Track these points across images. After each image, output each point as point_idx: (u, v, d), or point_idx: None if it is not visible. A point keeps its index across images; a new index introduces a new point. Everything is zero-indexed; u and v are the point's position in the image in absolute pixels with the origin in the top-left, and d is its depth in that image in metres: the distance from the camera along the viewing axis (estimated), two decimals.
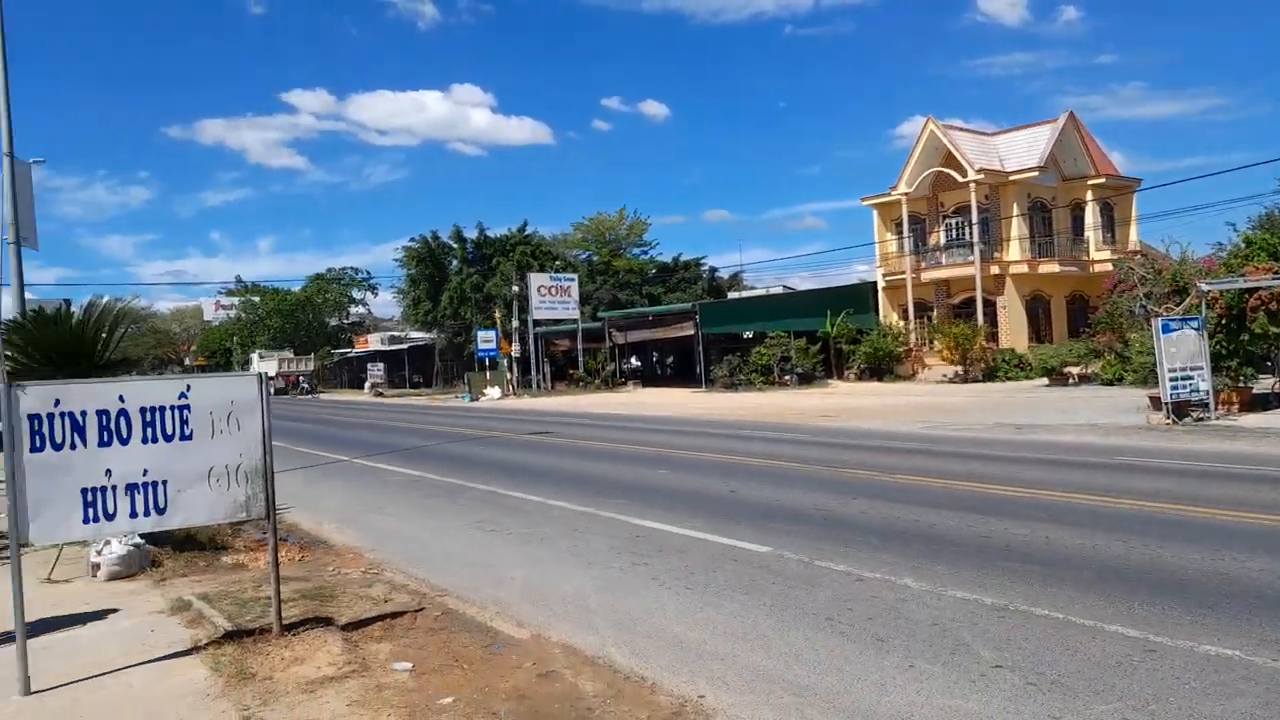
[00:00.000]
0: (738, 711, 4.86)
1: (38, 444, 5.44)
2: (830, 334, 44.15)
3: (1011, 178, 42.61)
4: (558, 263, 61.32)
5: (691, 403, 34.89)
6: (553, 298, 52.16)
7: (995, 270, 41.77)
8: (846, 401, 30.79)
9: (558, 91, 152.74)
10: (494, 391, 48.21)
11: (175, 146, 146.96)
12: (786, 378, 41.57)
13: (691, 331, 44.78)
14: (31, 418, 5.41)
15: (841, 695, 5.03)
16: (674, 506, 11.15)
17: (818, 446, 17.27)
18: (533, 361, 52.92)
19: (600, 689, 5.23)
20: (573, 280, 53.84)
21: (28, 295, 15.55)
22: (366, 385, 67.05)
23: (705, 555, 8.54)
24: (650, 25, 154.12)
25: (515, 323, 52.96)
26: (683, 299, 56.08)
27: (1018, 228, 42.84)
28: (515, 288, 53.23)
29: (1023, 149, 43.78)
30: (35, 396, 5.47)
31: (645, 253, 68.63)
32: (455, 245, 64.09)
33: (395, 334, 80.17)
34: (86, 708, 5.16)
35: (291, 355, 78.61)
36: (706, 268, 64.57)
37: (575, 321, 52.61)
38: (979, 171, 41.52)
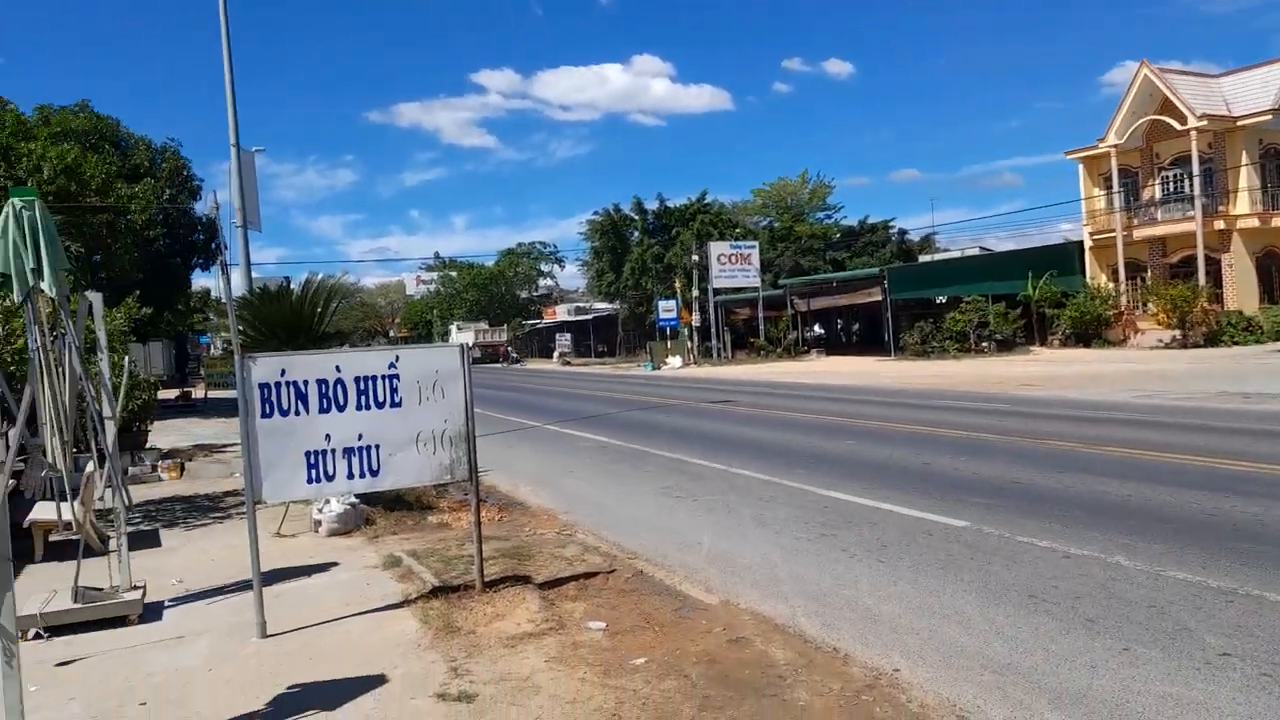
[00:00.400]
0: (935, 686, 4.71)
1: (267, 410, 5.96)
2: (1032, 298, 41.68)
3: (1240, 123, 38.51)
4: (738, 230, 60.97)
5: (879, 371, 33.95)
6: (733, 266, 51.93)
7: (1220, 225, 38.05)
8: (1050, 369, 29.06)
9: (737, 57, 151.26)
10: (675, 360, 48.71)
11: (376, 130, 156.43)
12: (984, 345, 39.68)
13: (879, 297, 43.47)
14: (262, 386, 5.94)
15: (1048, 676, 4.77)
16: (862, 477, 10.90)
17: (1018, 417, 16.40)
18: (713, 330, 53.02)
19: (791, 657, 5.20)
20: (753, 247, 53.37)
21: (253, 274, 17.04)
22: (555, 355, 69.38)
23: (897, 528, 8.31)
24: None
25: (695, 292, 53.16)
26: (869, 264, 54.51)
27: (1247, 178, 38.75)
28: (695, 257, 53.36)
29: (1255, 90, 39.37)
30: (265, 367, 6.00)
31: (829, 217, 67.13)
32: (636, 217, 64.97)
33: (581, 305, 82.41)
34: (314, 651, 5.64)
35: (487, 326, 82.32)
36: (895, 230, 62.40)
37: (756, 289, 52.22)
38: (1201, 118, 37.77)
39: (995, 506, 8.88)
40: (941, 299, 42.99)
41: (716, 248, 52.12)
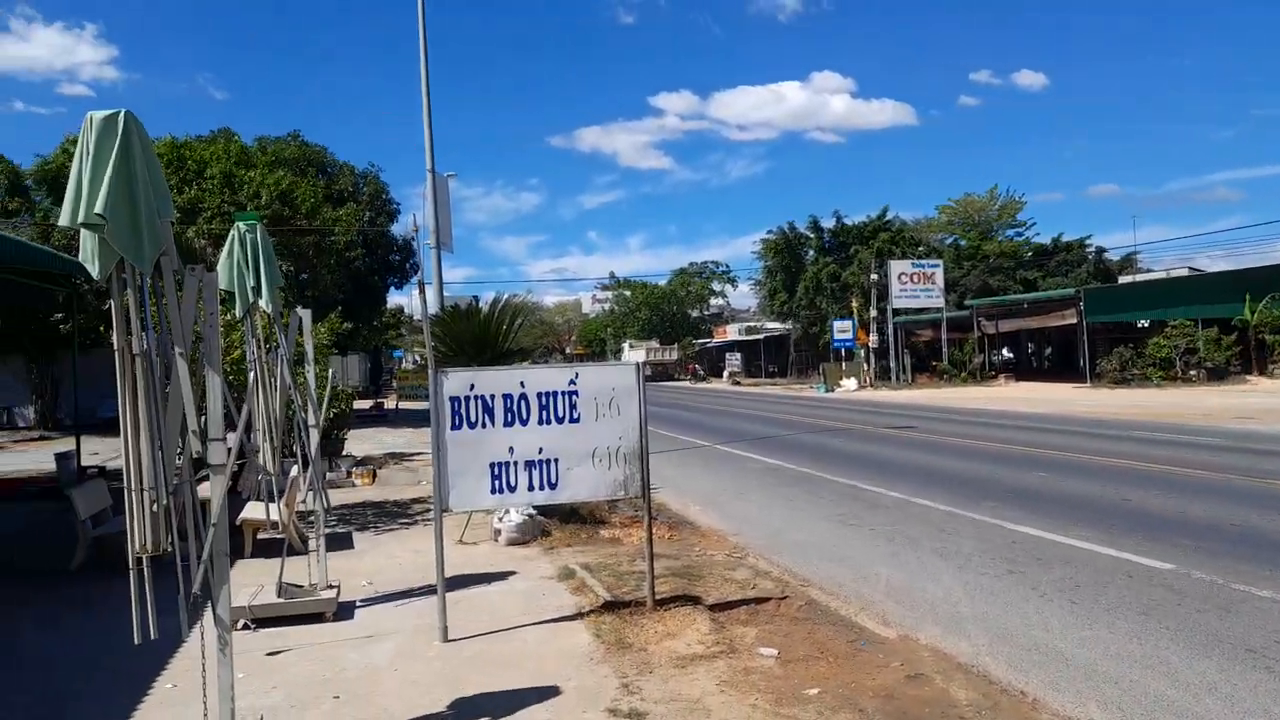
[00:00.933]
0: None
1: (456, 422, 6.22)
2: (1249, 322, 38.05)
3: None
4: (920, 248, 58.97)
5: (1074, 399, 31.90)
6: (914, 285, 50.24)
7: None
8: (1270, 401, 26.41)
9: (921, 71, 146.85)
10: (850, 383, 47.55)
11: (558, 155, 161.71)
12: (1191, 373, 36.54)
13: (1074, 320, 40.86)
14: (452, 399, 6.20)
15: None
16: (1054, 513, 10.23)
17: (1233, 453, 14.97)
18: (891, 352, 51.42)
19: (974, 698, 4.92)
20: (937, 266, 51.45)
21: (444, 293, 17.93)
22: (724, 374, 69.26)
23: (1092, 568, 7.74)
24: None
25: (873, 312, 51.77)
26: (1063, 284, 51.40)
27: None
28: (874, 276, 51.98)
29: None
30: (456, 381, 6.27)
31: (1019, 234, 63.86)
32: (812, 235, 64.03)
33: (752, 324, 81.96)
34: (492, 658, 5.81)
35: (658, 345, 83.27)
36: (1092, 249, 58.57)
37: (939, 310, 50.29)
38: None
39: (1205, 550, 8.12)
40: (1144, 323, 39.93)
41: (897, 266, 50.61)
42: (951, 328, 50.01)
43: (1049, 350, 56.95)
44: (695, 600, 6.88)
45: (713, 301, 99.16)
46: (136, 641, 3.73)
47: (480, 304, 13.33)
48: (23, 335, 24.96)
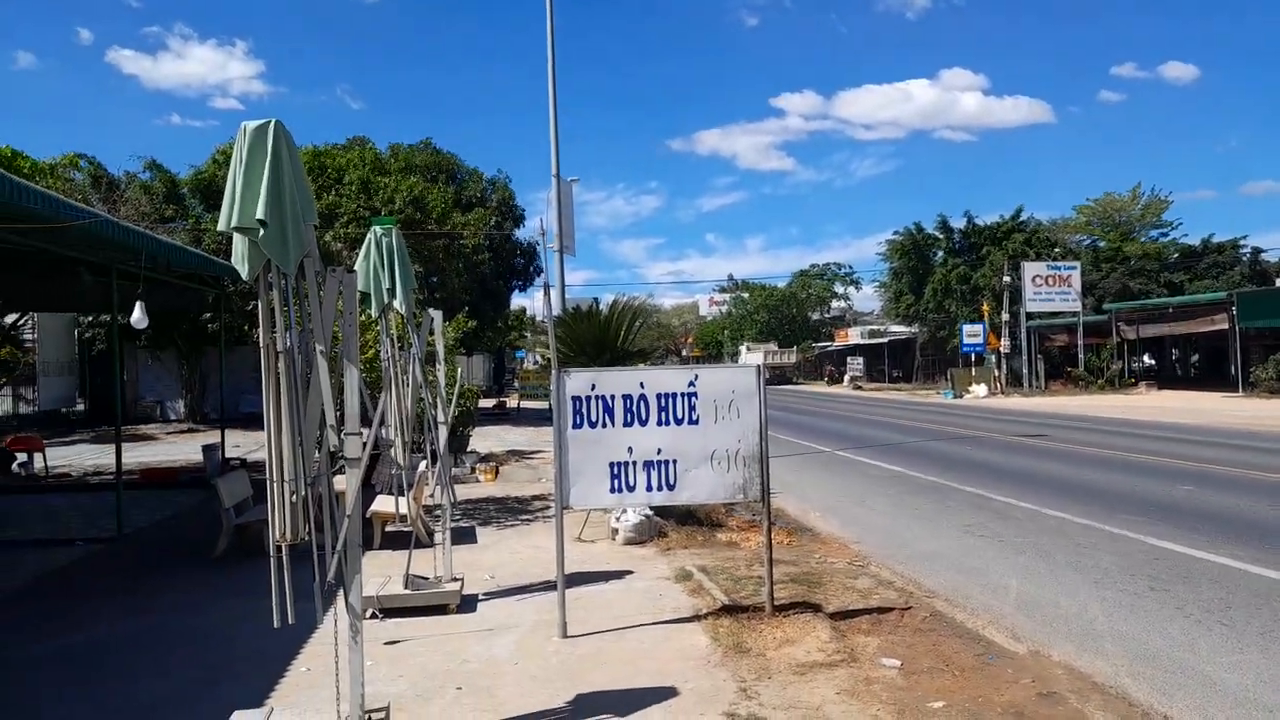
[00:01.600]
0: None
1: (577, 421, 6.31)
2: None
3: None
4: (1056, 250, 56.46)
5: (1224, 409, 29.94)
6: (1049, 288, 48.13)
7: None
8: None
9: (1058, 65, 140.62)
10: (979, 389, 45.91)
11: (677, 158, 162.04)
12: None
13: (1225, 325, 38.37)
14: (574, 399, 6.30)
15: None
16: (1201, 528, 9.62)
17: None
18: (1024, 357, 49.41)
19: None
20: (1074, 268, 49.16)
21: (565, 295, 18.23)
22: (845, 378, 67.95)
23: (1246, 589, 7.24)
24: None
25: (1005, 316, 49.83)
26: (1213, 287, 48.32)
27: None
28: (1006, 278, 50.02)
29: None
30: (577, 381, 6.36)
31: (1164, 235, 60.34)
32: (940, 236, 62.13)
33: (875, 328, 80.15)
34: (609, 656, 5.86)
35: (776, 348, 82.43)
36: (1246, 250, 54.83)
37: (1075, 314, 48.03)
38: None
39: None
40: None
41: (1031, 268, 48.59)
42: (1088, 333, 47.69)
43: (1195, 357, 53.68)
44: (815, 608, 6.77)
45: (834, 304, 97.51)
46: (275, 625, 3.92)
47: (600, 306, 13.46)
48: (175, 333, 26.69)
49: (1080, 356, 47.15)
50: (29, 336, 26.96)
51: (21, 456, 16.31)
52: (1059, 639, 6.22)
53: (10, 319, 20.69)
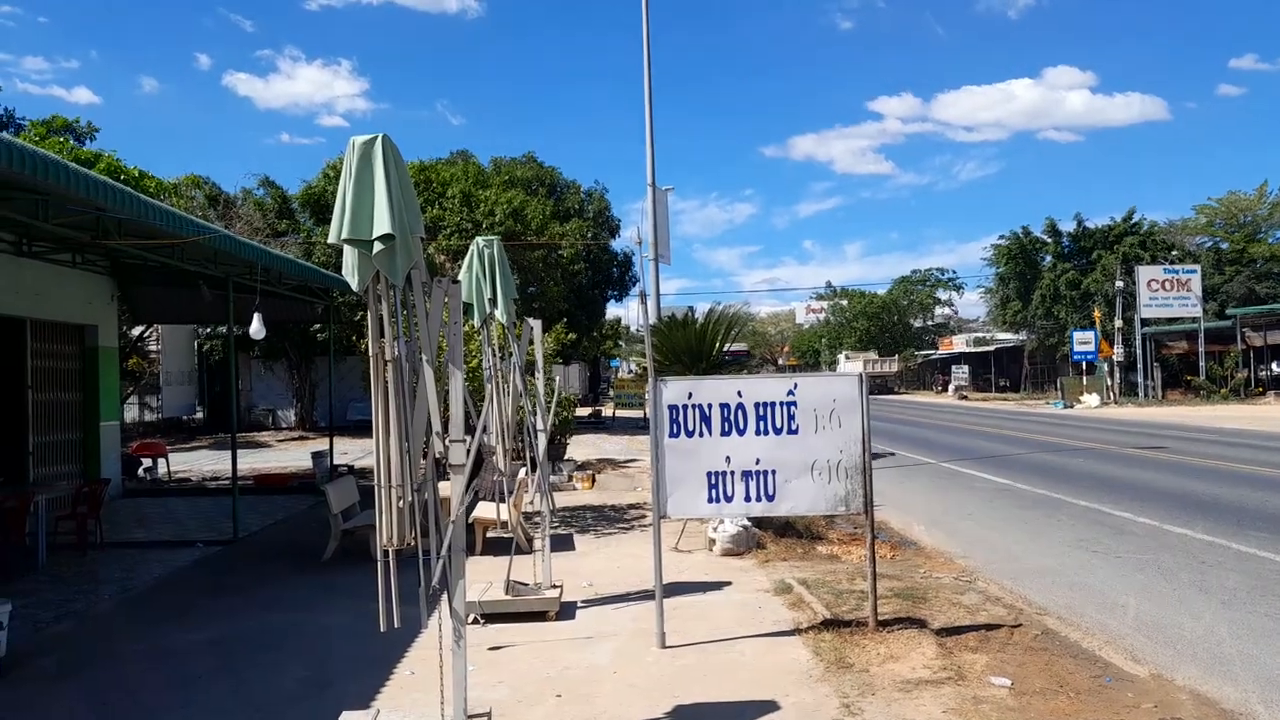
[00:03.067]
0: None
1: (674, 430, 6.28)
2: None
3: None
4: (1174, 253, 53.82)
5: None
6: (1166, 293, 45.92)
7: None
8: None
9: (1171, 60, 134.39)
10: (1091, 398, 44.08)
11: (772, 164, 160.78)
12: None
13: None
14: (670, 408, 6.28)
15: None
16: None
17: None
18: (1139, 366, 47.24)
19: None
20: (1193, 272, 46.78)
21: (660, 304, 18.26)
22: (950, 387, 66.17)
23: None
24: None
25: (1118, 322, 47.74)
26: None
27: None
28: (1120, 283, 47.96)
29: None
30: (674, 389, 6.34)
31: None
32: (1049, 240, 59.97)
33: (981, 335, 77.86)
34: (708, 668, 5.80)
35: (876, 356, 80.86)
36: None
37: (1195, 320, 45.68)
38: None
39: None
40: None
41: (1147, 272, 46.47)
42: (1210, 339, 45.31)
43: None
44: (920, 623, 6.57)
45: (938, 311, 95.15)
46: (382, 629, 4.01)
47: (695, 315, 13.45)
48: (285, 343, 27.78)
49: (1201, 365, 44.81)
50: (153, 348, 28.47)
51: (147, 461, 17.21)
52: (1183, 662, 5.90)
53: (137, 331, 21.86)
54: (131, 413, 27.60)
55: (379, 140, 3.92)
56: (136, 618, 7.47)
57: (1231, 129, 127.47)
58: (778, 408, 6.33)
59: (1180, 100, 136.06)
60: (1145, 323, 46.76)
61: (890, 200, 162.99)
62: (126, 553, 10.04)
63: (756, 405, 6.33)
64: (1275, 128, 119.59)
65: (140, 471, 16.86)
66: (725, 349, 12.73)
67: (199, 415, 31.23)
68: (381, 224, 3.77)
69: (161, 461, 17.32)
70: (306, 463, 17.45)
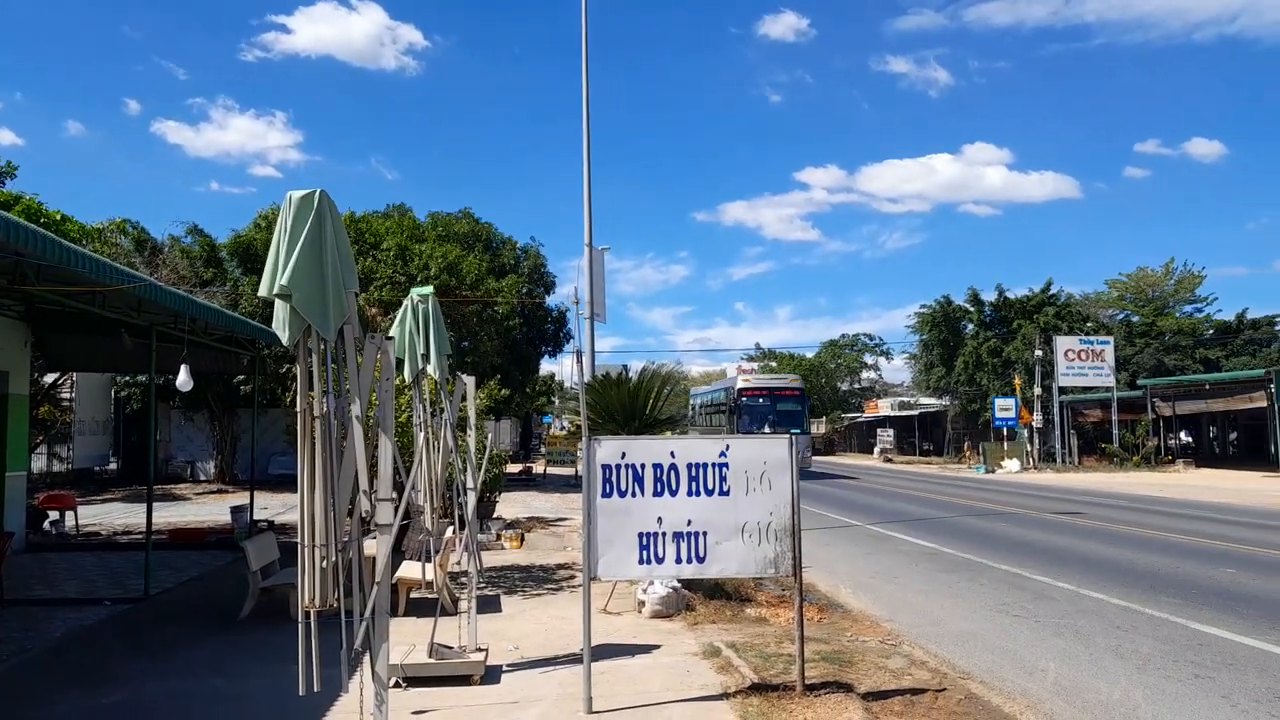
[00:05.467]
0: None
1: (607, 490, 6.26)
2: None
3: None
4: (1089, 324, 56.03)
5: (1265, 489, 29.23)
6: (1082, 363, 47.66)
7: None
8: None
9: (1082, 141, 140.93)
10: (1011, 464, 45.24)
11: (705, 229, 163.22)
12: None
13: (1264, 403, 37.74)
14: (604, 467, 6.26)
15: None
16: (1247, 614, 9.33)
17: None
18: (1057, 432, 48.77)
19: None
20: (1107, 344, 48.72)
21: (595, 362, 18.29)
22: (875, 450, 67.24)
23: None
24: (1197, 56, 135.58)
25: (1037, 390, 49.32)
26: (1250, 364, 47.66)
27: None
28: (1039, 352, 49.67)
29: None
30: (608, 448, 6.33)
31: (1198, 310, 59.74)
32: (971, 309, 61.98)
33: (905, 399, 79.55)
34: None
35: None
36: None
37: (1109, 389, 47.46)
38: None
39: None
40: None
41: (1064, 343, 48.22)
42: (1123, 408, 47.05)
43: (1234, 435, 52.70)
44: (847, 687, 6.59)
45: (864, 375, 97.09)
46: (301, 693, 3.88)
47: (629, 373, 13.51)
48: (208, 394, 27.01)
49: (1115, 432, 46.44)
50: (66, 395, 27.40)
51: (54, 515, 16.44)
52: None
53: (50, 378, 21.07)
54: (40, 462, 26.43)
55: (316, 195, 3.91)
56: (38, 680, 7.08)
57: (1137, 209, 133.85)
58: (710, 469, 6.36)
59: (1090, 179, 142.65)
60: (1063, 390, 48.39)
61: (820, 266, 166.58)
62: (29, 610, 9.54)
63: (689, 466, 6.36)
64: (1177, 209, 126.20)
65: (46, 525, 16.09)
66: (658, 408, 12.79)
67: (113, 466, 30.03)
68: (301, 278, 3.74)
69: (70, 514, 16.56)
70: (225, 517, 16.87)
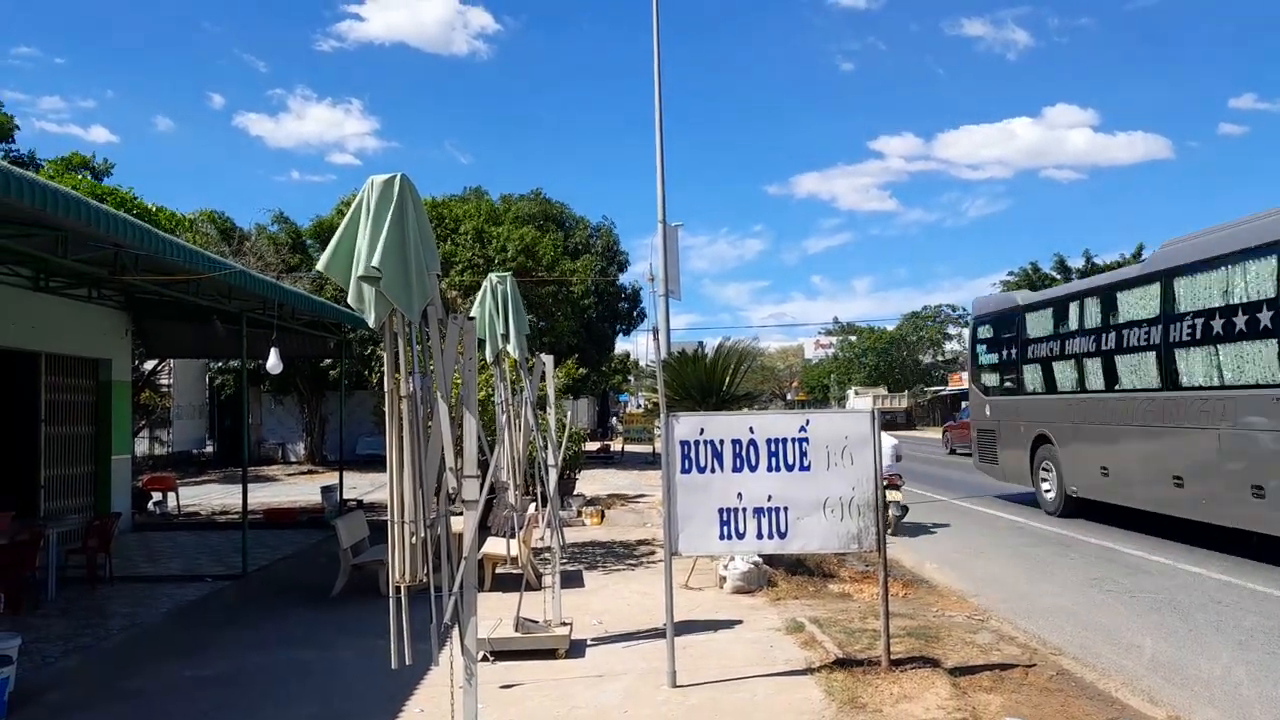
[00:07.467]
0: None
1: (686, 466, 6.28)
2: None
3: None
4: None
5: None
6: None
7: None
8: None
9: (1172, 99, 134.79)
10: None
11: (779, 202, 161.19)
12: None
13: None
14: (682, 443, 6.28)
15: None
16: None
17: None
18: None
19: None
20: None
21: (670, 339, 18.29)
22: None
23: None
24: None
25: None
26: None
27: None
28: None
29: None
30: (686, 425, 6.34)
31: None
32: (1058, 276, 60.01)
33: None
34: (719, 707, 5.75)
35: (885, 392, 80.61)
36: None
37: None
38: None
39: None
40: None
41: None
42: None
43: None
44: (933, 663, 6.51)
45: (947, 346, 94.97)
46: (393, 666, 3.99)
47: (705, 349, 13.47)
48: (297, 378, 27.86)
49: None
50: (165, 381, 28.59)
51: (157, 496, 17.22)
52: (1201, 704, 5.83)
53: (150, 365, 21.99)
54: (142, 446, 27.66)
55: (397, 179, 3.98)
56: (144, 653, 7.45)
57: (1234, 165, 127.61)
58: (790, 444, 6.32)
59: (1183, 139, 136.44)
60: None
61: (898, 237, 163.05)
62: (135, 587, 10.04)
63: (768, 441, 6.33)
64: (1277, 164, 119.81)
65: (150, 505, 16.87)
66: (735, 384, 12.73)
67: (209, 449, 31.28)
68: (384, 259, 3.80)
69: (171, 495, 17.33)
70: (316, 497, 17.44)
